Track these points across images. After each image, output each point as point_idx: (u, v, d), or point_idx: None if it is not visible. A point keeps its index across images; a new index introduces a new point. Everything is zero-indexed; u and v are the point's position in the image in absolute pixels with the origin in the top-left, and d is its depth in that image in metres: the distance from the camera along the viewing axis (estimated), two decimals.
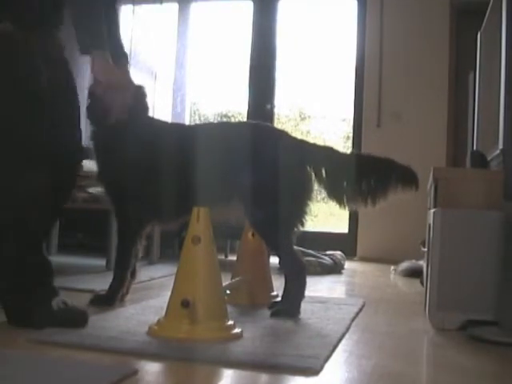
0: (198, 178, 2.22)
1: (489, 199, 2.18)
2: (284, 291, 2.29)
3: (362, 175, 2.28)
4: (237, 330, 1.81)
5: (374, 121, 5.26)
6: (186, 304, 1.71)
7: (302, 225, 2.29)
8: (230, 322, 1.82)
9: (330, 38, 5.87)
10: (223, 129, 2.52)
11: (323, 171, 2.30)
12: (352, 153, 2.41)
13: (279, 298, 2.42)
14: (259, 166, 2.24)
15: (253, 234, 2.52)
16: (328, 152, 2.37)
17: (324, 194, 2.34)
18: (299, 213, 2.27)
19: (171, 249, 4.35)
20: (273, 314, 2.19)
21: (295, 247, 2.30)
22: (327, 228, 5.99)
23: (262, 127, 2.45)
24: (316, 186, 2.32)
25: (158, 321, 1.79)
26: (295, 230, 2.28)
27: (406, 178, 2.32)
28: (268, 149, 2.29)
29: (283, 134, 2.41)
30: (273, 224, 2.22)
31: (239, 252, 2.63)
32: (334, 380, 1.50)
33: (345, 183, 2.29)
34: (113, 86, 2.06)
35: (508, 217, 2.07)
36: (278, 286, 2.68)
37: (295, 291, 2.25)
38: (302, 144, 2.39)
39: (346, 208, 2.33)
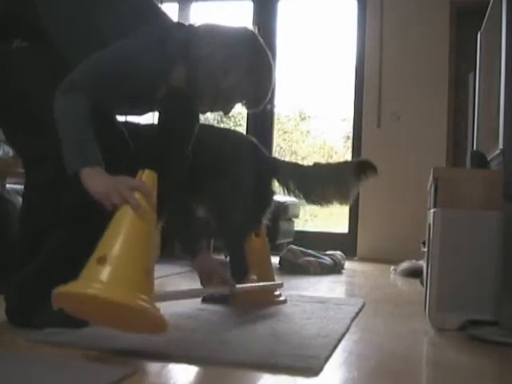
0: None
1: (489, 199, 2.17)
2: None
3: (325, 180, 2.60)
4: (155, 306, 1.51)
5: (373, 121, 5.27)
6: (101, 260, 1.47)
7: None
8: (146, 297, 1.50)
9: (330, 38, 5.88)
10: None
11: (291, 183, 2.63)
12: (314, 164, 2.80)
13: (282, 298, 2.49)
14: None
15: (255, 234, 2.53)
16: (294, 167, 2.73)
17: (301, 199, 2.71)
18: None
19: (171, 249, 4.36)
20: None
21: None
22: (327, 228, 6.00)
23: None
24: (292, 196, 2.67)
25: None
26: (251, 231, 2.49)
27: (364, 168, 2.60)
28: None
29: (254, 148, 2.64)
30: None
31: None
32: (334, 380, 1.50)
33: (314, 189, 2.62)
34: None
35: (508, 217, 2.07)
36: None
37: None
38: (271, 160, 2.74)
39: (326, 205, 2.65)
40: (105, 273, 1.46)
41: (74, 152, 1.69)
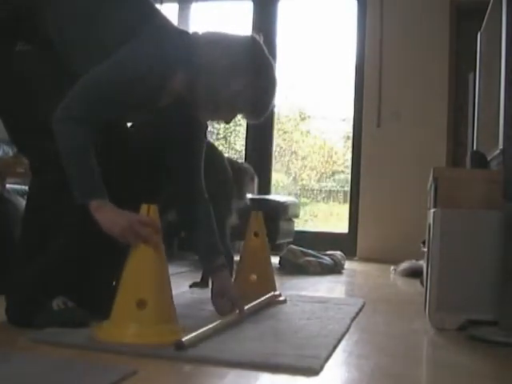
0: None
1: (489, 199, 2.18)
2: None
3: None
4: (188, 336, 1.65)
5: (373, 121, 5.26)
6: (142, 304, 1.64)
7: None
8: (179, 326, 1.74)
9: (330, 37, 5.88)
10: None
11: None
12: None
13: (282, 298, 2.49)
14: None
15: (255, 234, 2.53)
16: None
17: None
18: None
19: (171, 249, 4.35)
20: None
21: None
22: (327, 228, 5.99)
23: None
24: None
25: (101, 324, 1.71)
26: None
27: None
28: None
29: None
30: None
31: (242, 252, 2.63)
32: (334, 380, 1.50)
33: None
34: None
35: (508, 217, 2.07)
36: (280, 286, 2.69)
37: None
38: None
39: None
40: (149, 318, 1.66)
41: (78, 184, 1.72)
